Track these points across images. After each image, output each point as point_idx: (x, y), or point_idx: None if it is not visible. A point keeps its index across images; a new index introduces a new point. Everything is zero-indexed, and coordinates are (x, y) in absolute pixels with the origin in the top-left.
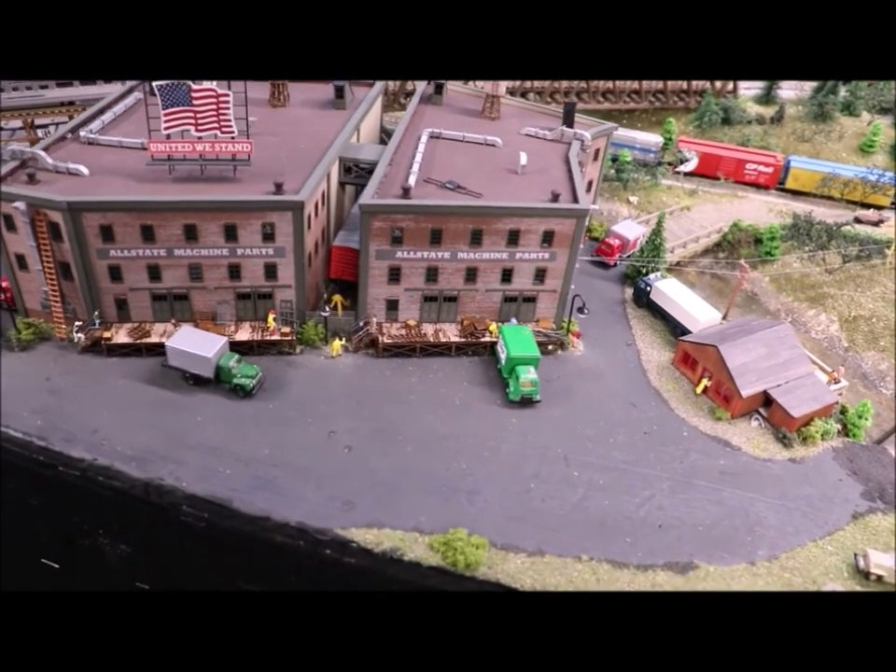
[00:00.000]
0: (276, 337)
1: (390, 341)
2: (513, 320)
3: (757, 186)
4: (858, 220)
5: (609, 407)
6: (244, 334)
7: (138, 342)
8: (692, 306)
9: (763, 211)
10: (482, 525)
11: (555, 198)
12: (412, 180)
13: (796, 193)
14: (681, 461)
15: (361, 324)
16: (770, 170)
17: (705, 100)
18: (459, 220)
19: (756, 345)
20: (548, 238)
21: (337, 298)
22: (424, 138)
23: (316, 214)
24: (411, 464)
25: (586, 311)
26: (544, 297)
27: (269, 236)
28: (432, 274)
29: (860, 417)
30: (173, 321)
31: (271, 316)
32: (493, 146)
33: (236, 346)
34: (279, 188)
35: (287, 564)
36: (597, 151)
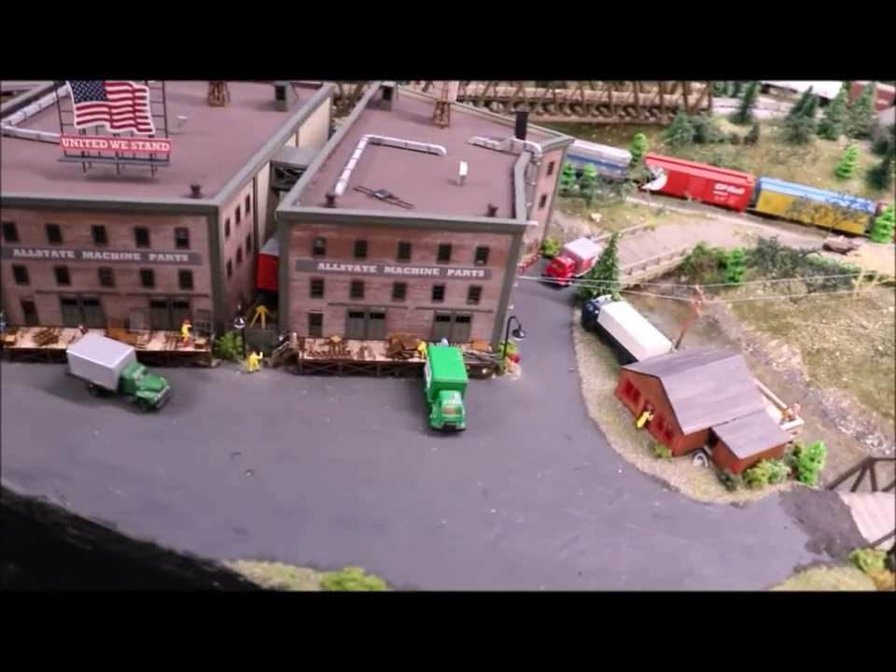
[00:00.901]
0: (190, 349)
1: (311, 357)
2: (444, 341)
3: (727, 207)
4: (827, 247)
5: (541, 438)
6: (157, 344)
7: (43, 347)
8: (639, 332)
9: (729, 234)
10: (383, 564)
11: (492, 212)
12: (339, 188)
13: (767, 217)
14: (612, 501)
15: (281, 338)
16: (741, 191)
17: (677, 116)
18: (385, 233)
19: (703, 378)
20: (482, 254)
21: (261, 309)
22: (362, 144)
23: (238, 220)
24: (315, 492)
25: (522, 334)
26: (480, 317)
27: (183, 242)
28: (357, 289)
29: (812, 460)
30: (81, 327)
31: (185, 326)
32: (436, 154)
33: (148, 357)
34: (196, 191)
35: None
36: (552, 164)
